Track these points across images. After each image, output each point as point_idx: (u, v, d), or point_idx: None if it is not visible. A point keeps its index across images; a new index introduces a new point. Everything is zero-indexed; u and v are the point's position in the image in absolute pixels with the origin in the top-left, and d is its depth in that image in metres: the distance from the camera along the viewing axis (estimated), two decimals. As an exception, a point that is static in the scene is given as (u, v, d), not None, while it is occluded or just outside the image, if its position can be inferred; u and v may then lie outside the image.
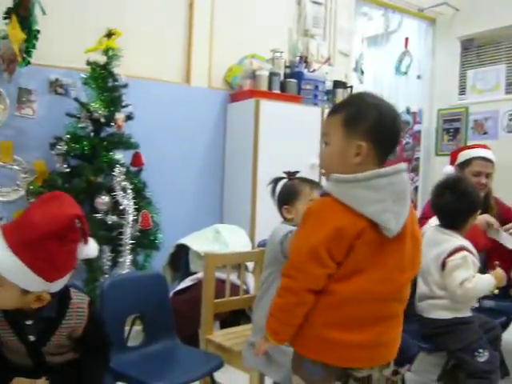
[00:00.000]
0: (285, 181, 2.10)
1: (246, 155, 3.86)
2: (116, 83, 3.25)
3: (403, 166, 1.42)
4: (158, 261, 3.38)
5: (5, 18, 2.89)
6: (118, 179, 3.08)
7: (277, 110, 3.87)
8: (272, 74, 4.01)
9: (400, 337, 1.53)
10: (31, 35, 3.04)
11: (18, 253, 1.41)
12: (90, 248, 1.60)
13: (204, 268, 2.40)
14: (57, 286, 1.53)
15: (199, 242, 3.28)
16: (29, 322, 1.55)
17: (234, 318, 3.00)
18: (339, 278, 1.40)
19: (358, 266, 1.39)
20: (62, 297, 1.59)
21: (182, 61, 4.06)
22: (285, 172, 2.12)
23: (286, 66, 4.24)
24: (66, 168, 3.14)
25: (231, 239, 3.27)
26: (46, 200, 1.54)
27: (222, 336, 2.45)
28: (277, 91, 4.01)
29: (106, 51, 3.22)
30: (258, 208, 3.75)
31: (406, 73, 5.62)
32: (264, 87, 3.95)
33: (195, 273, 3.22)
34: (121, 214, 3.06)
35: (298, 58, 4.32)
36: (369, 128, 1.42)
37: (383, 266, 1.41)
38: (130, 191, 3.10)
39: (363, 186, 1.37)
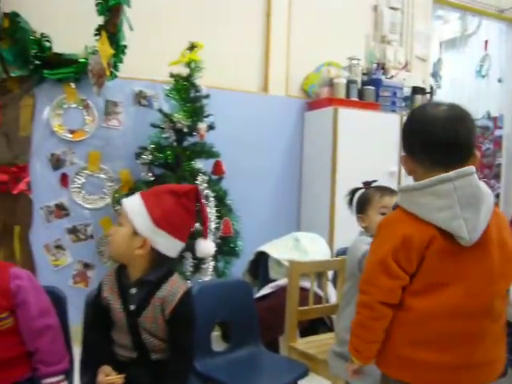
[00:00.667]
0: (362, 191, 2.13)
1: (324, 163, 3.85)
2: (198, 94, 3.33)
3: (470, 169, 1.34)
4: (238, 268, 3.43)
5: (95, 35, 3.04)
6: (201, 187, 3.15)
7: (355, 118, 3.84)
8: (349, 82, 3.99)
9: (502, 358, 1.45)
10: (119, 50, 3.19)
11: (144, 197, 1.72)
12: (208, 245, 1.76)
13: (288, 276, 2.42)
14: (159, 238, 1.68)
15: (279, 250, 3.29)
16: (133, 291, 1.71)
17: (313, 326, 3.00)
18: (414, 292, 1.37)
19: (434, 280, 1.35)
20: (166, 272, 1.75)
21: (259, 70, 4.12)
22: (362, 182, 2.14)
23: (364, 73, 4.20)
24: (151, 177, 3.23)
25: (311, 247, 3.26)
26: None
27: (304, 344, 2.46)
28: (355, 99, 3.98)
29: (188, 63, 3.31)
30: (336, 216, 3.74)
31: (484, 76, 5.45)
32: (342, 95, 3.94)
33: (274, 280, 3.24)
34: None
35: (375, 65, 4.29)
36: (403, 137, 1.49)
37: (466, 279, 1.35)
38: (211, 199, 3.17)
39: (426, 193, 1.35)
